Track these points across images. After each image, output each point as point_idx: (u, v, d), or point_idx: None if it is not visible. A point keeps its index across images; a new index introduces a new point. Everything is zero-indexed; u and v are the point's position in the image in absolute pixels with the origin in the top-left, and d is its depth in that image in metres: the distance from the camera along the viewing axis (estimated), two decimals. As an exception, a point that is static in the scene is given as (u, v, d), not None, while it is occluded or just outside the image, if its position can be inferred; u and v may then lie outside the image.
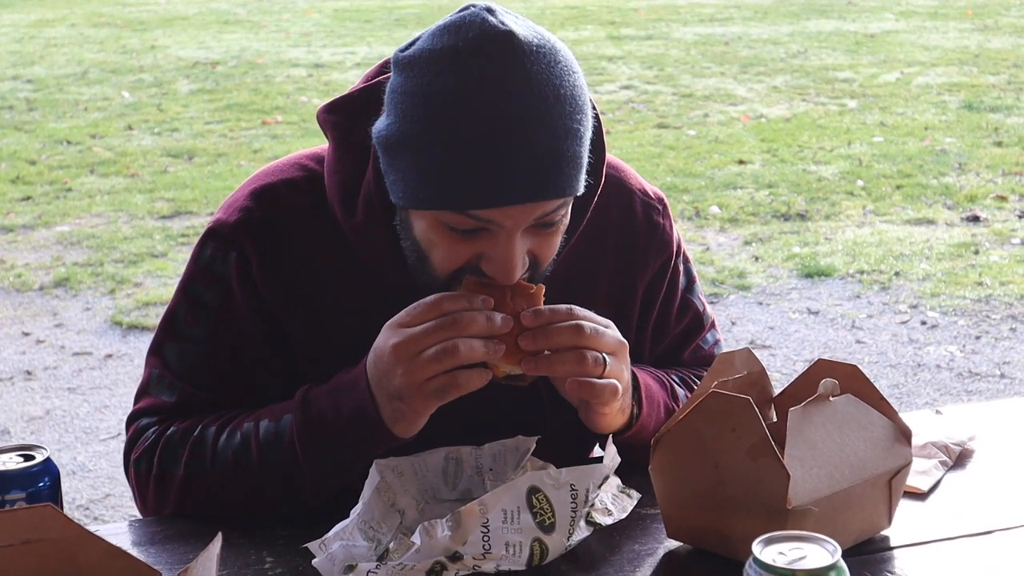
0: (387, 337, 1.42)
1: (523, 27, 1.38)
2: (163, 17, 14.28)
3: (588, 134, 1.42)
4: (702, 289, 1.77)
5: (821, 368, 1.48)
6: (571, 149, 1.38)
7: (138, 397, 1.62)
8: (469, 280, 1.43)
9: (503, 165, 1.34)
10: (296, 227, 1.55)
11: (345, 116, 1.52)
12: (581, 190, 1.42)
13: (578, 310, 1.45)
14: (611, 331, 1.46)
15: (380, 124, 1.43)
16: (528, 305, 1.43)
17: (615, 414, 1.51)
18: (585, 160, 1.42)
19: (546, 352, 1.42)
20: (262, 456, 1.49)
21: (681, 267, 1.72)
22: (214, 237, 1.57)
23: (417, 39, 1.42)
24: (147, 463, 1.55)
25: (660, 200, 1.70)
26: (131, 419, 1.62)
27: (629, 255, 1.65)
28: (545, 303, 1.46)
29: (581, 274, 1.62)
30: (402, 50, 1.42)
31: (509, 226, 1.39)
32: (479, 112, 1.33)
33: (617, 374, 1.46)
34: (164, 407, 1.58)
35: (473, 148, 1.34)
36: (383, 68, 1.52)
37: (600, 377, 1.44)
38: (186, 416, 1.56)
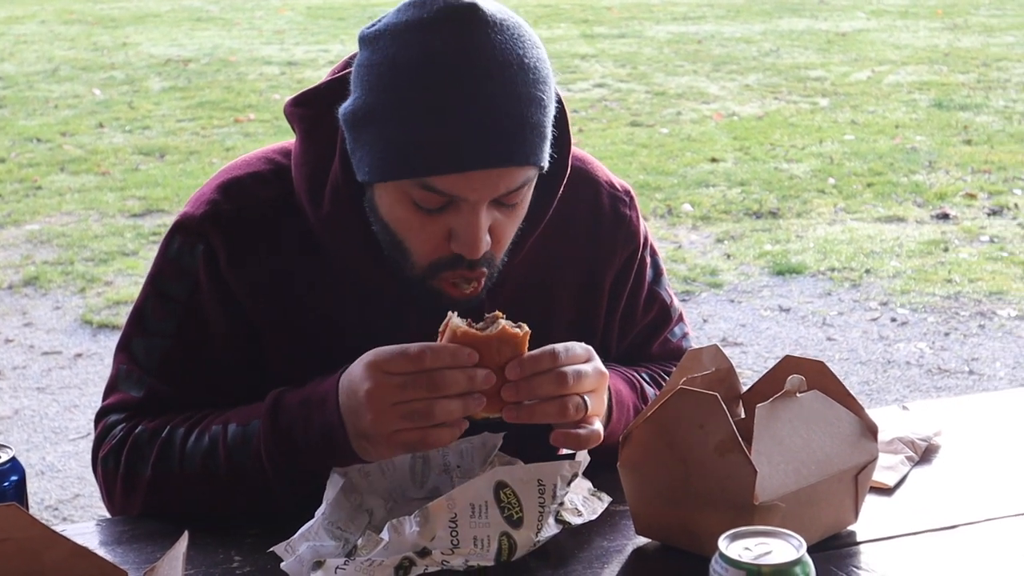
0: (363, 376, 1.37)
1: (487, 2, 1.40)
2: (135, 14, 14.20)
3: (552, 107, 1.43)
4: (670, 282, 1.78)
5: (788, 364, 1.49)
6: (534, 116, 1.38)
7: (106, 393, 1.61)
8: (456, 330, 1.37)
9: (465, 130, 1.35)
10: (264, 220, 1.55)
11: (312, 109, 1.53)
12: (545, 162, 1.43)
13: (560, 353, 1.40)
14: (591, 366, 1.43)
15: (346, 103, 1.44)
16: (514, 353, 1.37)
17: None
18: (549, 132, 1.42)
19: (527, 402, 1.39)
20: (229, 461, 1.48)
21: (648, 259, 1.72)
22: (181, 230, 1.56)
23: (383, 18, 1.43)
24: (114, 461, 1.54)
25: (627, 192, 1.70)
26: (99, 416, 1.61)
27: (596, 246, 1.66)
28: (520, 308, 1.46)
29: (549, 266, 1.62)
30: (367, 28, 1.44)
31: (473, 199, 1.39)
32: (441, 79, 1.35)
33: (597, 409, 1.45)
34: (132, 403, 1.57)
35: (435, 114, 1.35)
36: (349, 62, 1.53)
37: (582, 419, 1.41)
38: (155, 412, 1.55)
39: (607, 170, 1.72)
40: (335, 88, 1.50)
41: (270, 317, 1.55)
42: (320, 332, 1.54)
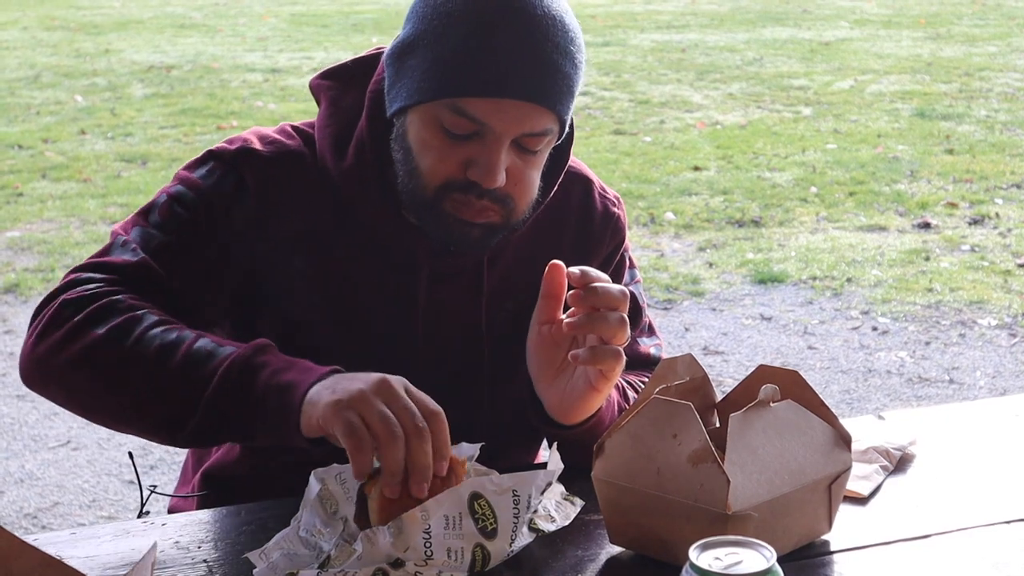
0: (375, 377, 1.36)
1: None
2: (118, 21, 14.17)
3: (581, 75, 1.53)
4: (644, 293, 1.81)
5: (763, 374, 1.49)
6: (566, 67, 1.49)
7: (91, 258, 1.58)
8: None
9: (505, 60, 1.45)
10: (293, 168, 1.60)
11: (339, 81, 1.63)
12: (567, 119, 1.53)
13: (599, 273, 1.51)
14: None
15: (394, 41, 1.54)
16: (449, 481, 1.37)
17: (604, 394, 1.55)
18: (575, 92, 1.52)
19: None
20: (184, 361, 1.44)
21: (627, 260, 1.78)
22: (216, 157, 1.61)
23: None
24: (74, 310, 1.49)
25: (616, 197, 1.78)
26: (74, 270, 1.56)
27: (585, 236, 1.72)
28: (513, 281, 1.58)
29: (542, 248, 1.66)
30: None
31: (499, 130, 1.47)
32: (489, 12, 1.45)
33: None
34: (122, 266, 1.54)
35: (480, 40, 1.45)
36: (379, 50, 1.62)
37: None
38: (139, 287, 1.53)
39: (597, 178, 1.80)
40: (361, 66, 1.61)
41: (283, 264, 1.58)
42: (331, 283, 1.58)
